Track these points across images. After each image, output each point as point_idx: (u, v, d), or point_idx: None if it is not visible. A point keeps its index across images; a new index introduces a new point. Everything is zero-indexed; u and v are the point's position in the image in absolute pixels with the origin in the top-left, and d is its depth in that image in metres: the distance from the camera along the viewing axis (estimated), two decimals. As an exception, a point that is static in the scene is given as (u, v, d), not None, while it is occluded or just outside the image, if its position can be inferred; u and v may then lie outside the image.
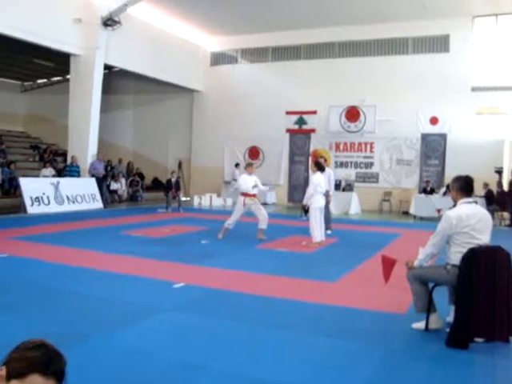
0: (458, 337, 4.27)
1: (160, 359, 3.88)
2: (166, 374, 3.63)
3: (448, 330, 4.43)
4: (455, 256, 4.49)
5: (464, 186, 4.66)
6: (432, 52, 18.86)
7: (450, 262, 4.57)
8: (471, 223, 4.46)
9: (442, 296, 4.93)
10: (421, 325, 4.73)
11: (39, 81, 25.87)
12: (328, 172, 12.05)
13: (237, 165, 20.53)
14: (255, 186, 10.70)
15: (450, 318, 4.65)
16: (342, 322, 5.06)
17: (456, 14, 17.83)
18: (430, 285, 4.73)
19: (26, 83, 26.24)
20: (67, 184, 15.70)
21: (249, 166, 11.13)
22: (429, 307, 4.67)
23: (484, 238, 4.49)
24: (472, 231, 4.46)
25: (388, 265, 5.20)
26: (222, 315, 5.12)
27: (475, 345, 4.30)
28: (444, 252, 4.75)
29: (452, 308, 4.69)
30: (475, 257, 4.28)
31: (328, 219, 11.70)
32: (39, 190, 14.67)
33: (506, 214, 16.00)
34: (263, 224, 10.66)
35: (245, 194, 10.60)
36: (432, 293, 4.69)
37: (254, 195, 10.69)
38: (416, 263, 4.78)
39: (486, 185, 15.92)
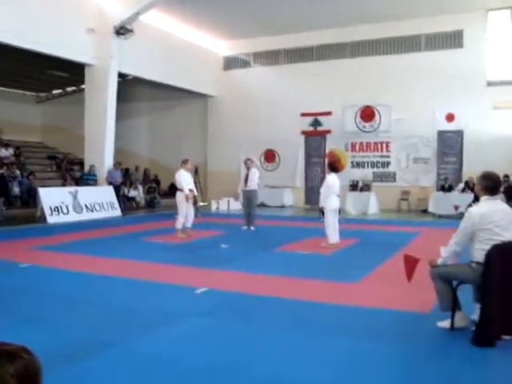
0: (484, 335, 4.23)
1: (186, 365, 3.89)
2: (193, 380, 3.64)
3: (473, 328, 4.39)
4: (479, 253, 4.45)
5: (490, 187, 4.60)
6: (446, 48, 18.67)
7: (474, 260, 4.53)
8: (494, 220, 4.42)
9: (466, 294, 4.87)
10: (446, 323, 4.69)
11: (54, 91, 26.11)
12: (253, 171, 12.80)
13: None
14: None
15: (476, 316, 4.59)
16: (366, 322, 5.03)
17: (469, 8, 17.64)
18: (454, 283, 4.68)
19: (41, 94, 26.45)
20: (85, 193, 15.81)
21: (186, 161, 11.72)
22: (454, 305, 4.63)
23: (507, 235, 4.44)
24: (495, 228, 4.42)
25: (411, 264, 5.16)
26: (245, 319, 5.12)
27: (502, 342, 4.25)
28: (467, 250, 4.70)
29: (477, 306, 4.64)
30: (499, 253, 4.24)
31: (253, 216, 12.70)
32: (58, 200, 14.80)
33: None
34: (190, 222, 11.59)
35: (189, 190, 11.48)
36: (456, 291, 4.65)
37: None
38: (439, 261, 4.74)
39: (505, 177, 15.34)
